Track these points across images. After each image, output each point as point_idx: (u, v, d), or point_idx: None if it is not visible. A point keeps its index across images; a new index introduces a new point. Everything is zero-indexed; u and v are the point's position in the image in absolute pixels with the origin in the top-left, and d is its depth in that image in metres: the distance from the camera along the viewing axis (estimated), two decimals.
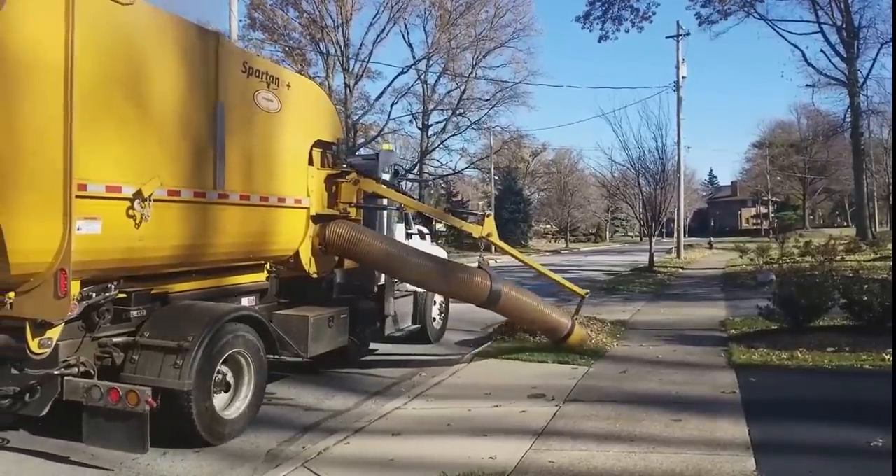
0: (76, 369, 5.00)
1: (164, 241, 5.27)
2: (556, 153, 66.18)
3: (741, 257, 28.31)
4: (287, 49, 40.16)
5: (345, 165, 7.54)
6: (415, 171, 45.73)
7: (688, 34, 30.62)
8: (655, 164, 22.54)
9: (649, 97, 35.79)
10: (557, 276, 9.37)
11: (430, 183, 45.35)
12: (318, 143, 7.37)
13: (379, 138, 45.49)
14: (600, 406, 5.53)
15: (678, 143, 29.21)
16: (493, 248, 41.07)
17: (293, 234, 6.89)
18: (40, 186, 4.30)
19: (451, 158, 50.75)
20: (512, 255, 9.19)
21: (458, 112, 44.45)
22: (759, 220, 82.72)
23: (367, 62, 39.71)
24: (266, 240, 6.48)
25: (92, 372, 5.07)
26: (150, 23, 5.04)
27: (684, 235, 38.77)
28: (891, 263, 16.56)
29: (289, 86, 6.64)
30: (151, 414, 4.67)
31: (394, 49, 59.45)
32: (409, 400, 5.99)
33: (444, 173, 49.20)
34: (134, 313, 5.44)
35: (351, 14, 38.96)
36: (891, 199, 36.29)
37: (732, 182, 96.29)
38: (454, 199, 51.21)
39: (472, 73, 42.63)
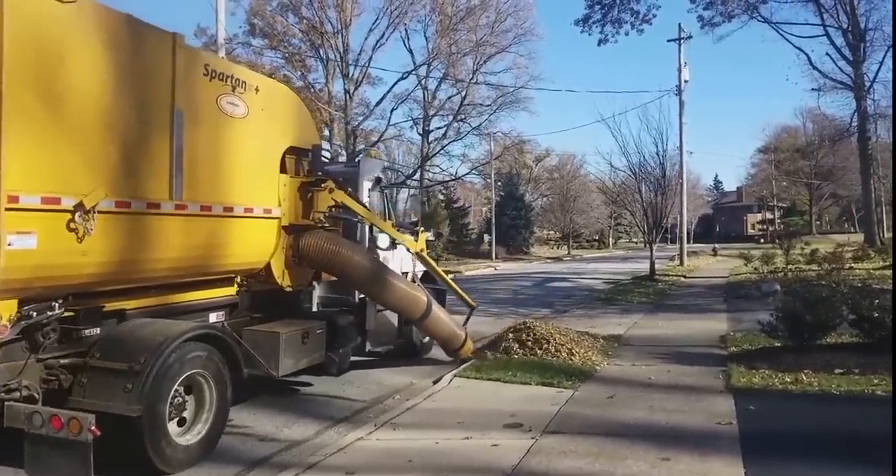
0: (17, 393, 4.62)
1: (113, 256, 4.89)
2: (560, 159, 65.86)
3: (746, 265, 27.86)
4: (287, 55, 39.93)
5: (319, 173, 7.14)
6: (415, 177, 45.45)
7: (689, 37, 30.18)
8: (656, 170, 22.12)
9: (650, 102, 35.70)
10: (456, 286, 9.40)
11: (428, 189, 44.85)
12: (292, 150, 6.99)
13: (378, 145, 45.32)
14: (581, 439, 5.06)
15: (680, 147, 28.76)
16: (493, 256, 40.60)
17: (263, 246, 6.50)
18: None
19: (451, 164, 50.26)
20: (432, 270, 9.11)
21: (458, 118, 44.10)
22: (764, 226, 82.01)
23: (367, 67, 39.49)
24: (232, 252, 6.09)
25: (36, 396, 4.68)
26: (93, 22, 4.65)
27: (689, 242, 38.26)
28: None
29: (257, 90, 6.26)
30: (103, 439, 4.31)
31: (394, 54, 59.49)
32: (374, 429, 5.55)
33: (445, 179, 48.83)
34: (85, 333, 5.06)
35: (350, 19, 38.72)
36: (892, 201, 35.67)
37: (738, 187, 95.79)
38: (455, 206, 50.78)
39: (472, 78, 42.29)
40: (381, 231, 8.23)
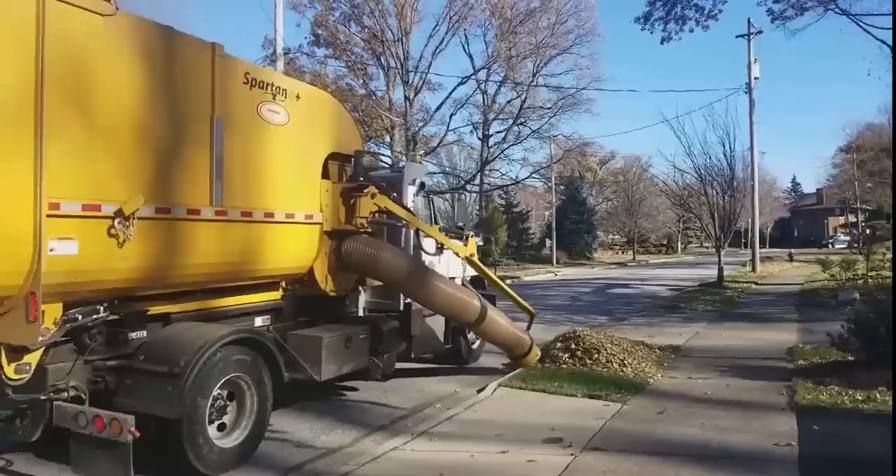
0: (66, 394, 4.78)
1: (153, 261, 4.99)
2: (625, 161, 64.23)
3: (823, 271, 26.32)
4: (349, 64, 40.63)
5: (361, 179, 7.13)
6: (475, 181, 45.30)
7: (760, 32, 28.79)
8: (724, 171, 21.22)
9: (717, 101, 33.86)
10: (513, 293, 9.04)
11: (486, 194, 44.61)
12: (334, 156, 7.02)
13: (438, 150, 45.41)
14: (623, 458, 4.79)
15: (751, 148, 27.58)
16: (553, 261, 39.96)
17: (304, 251, 6.54)
18: (6, 206, 4.06)
19: (510, 168, 49.70)
20: (485, 276, 8.84)
21: (519, 121, 43.69)
22: (847, 230, 77.54)
23: (427, 73, 39.66)
24: (273, 257, 6.14)
25: (84, 396, 4.84)
26: (132, 33, 4.76)
27: (764, 246, 36.55)
28: None
29: (298, 97, 6.31)
30: (145, 440, 4.43)
31: (454, 60, 59.16)
32: (411, 438, 5.44)
33: (505, 183, 48.48)
34: (131, 336, 5.20)
35: (410, 27, 39.03)
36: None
37: (817, 189, 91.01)
38: (514, 210, 50.31)
39: (532, 81, 41.81)
40: (428, 235, 8.15)
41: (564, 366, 8.20)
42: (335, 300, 7.33)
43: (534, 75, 42.02)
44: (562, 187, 53.92)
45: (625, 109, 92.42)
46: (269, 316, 6.49)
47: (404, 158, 42.32)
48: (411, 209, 8.24)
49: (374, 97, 40.70)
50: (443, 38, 39.21)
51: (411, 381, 8.23)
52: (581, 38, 42.04)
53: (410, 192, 8.62)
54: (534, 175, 49.27)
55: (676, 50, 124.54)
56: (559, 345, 8.75)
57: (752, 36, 28.79)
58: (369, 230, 7.35)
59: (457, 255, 8.56)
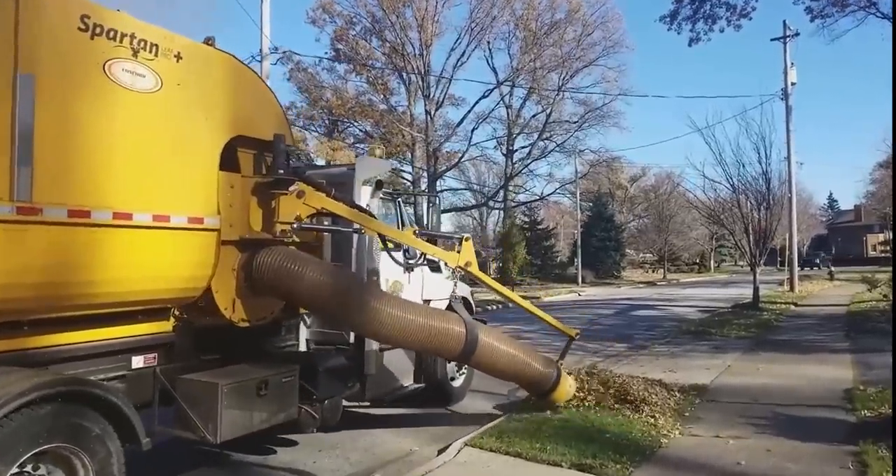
0: None
1: None
2: (656, 178, 61.72)
3: (870, 291, 23.92)
4: (370, 79, 39.65)
5: (282, 172, 5.45)
6: (498, 197, 43.60)
7: (797, 34, 26.74)
8: (758, 180, 19.18)
9: (752, 108, 31.31)
10: (546, 315, 7.27)
11: (510, 211, 42.80)
12: (246, 142, 5.38)
13: (461, 165, 43.86)
14: None
15: (788, 157, 25.38)
16: (579, 281, 37.89)
17: (192, 268, 4.87)
18: None
19: (534, 185, 47.79)
20: (493, 289, 7.19)
21: (544, 136, 41.98)
22: (887, 247, 73.58)
23: (448, 87, 38.37)
24: (134, 276, 4.48)
25: None
26: None
27: (800, 266, 34.04)
28: None
29: (179, 57, 4.68)
30: None
31: (476, 74, 57.60)
32: None
33: (530, 199, 46.67)
34: None
35: (431, 39, 37.93)
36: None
37: (856, 206, 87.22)
38: (539, 227, 48.33)
39: (558, 94, 40.14)
40: (397, 244, 6.50)
41: (557, 415, 6.39)
42: (258, 332, 5.69)
43: (559, 88, 40.47)
44: (589, 204, 51.81)
45: (654, 125, 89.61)
46: (154, 354, 4.86)
47: (425, 175, 41.01)
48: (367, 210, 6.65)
49: (394, 112, 39.59)
50: (464, 51, 38.10)
51: (361, 434, 6.51)
52: (608, 50, 40.50)
53: (365, 193, 6.98)
54: (559, 191, 47.48)
55: (706, 59, 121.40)
56: None
57: (788, 39, 26.75)
58: (295, 240, 5.68)
59: (445, 265, 6.86)
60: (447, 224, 58.30)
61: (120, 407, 4.10)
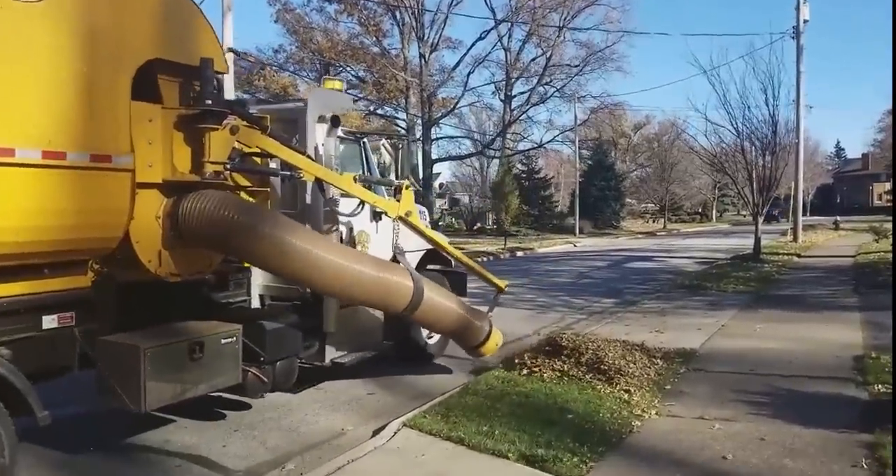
0: None
1: None
2: (661, 126, 59.77)
3: (877, 241, 22.98)
4: (362, 20, 37.68)
5: (210, 103, 4.39)
6: (496, 145, 42.17)
7: None
8: (764, 124, 17.90)
9: (761, 47, 29.40)
10: (477, 265, 7.05)
11: (508, 159, 41.39)
12: (167, 68, 4.34)
13: (458, 110, 42.20)
14: None
15: (797, 101, 23.87)
16: (576, 231, 37.04)
17: (97, 214, 3.99)
18: None
19: (533, 132, 46.16)
20: (430, 240, 6.50)
21: (544, 81, 40.16)
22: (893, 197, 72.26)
23: (443, 28, 36.49)
24: (25, 224, 3.62)
25: None
26: None
27: (805, 214, 32.92)
28: None
29: None
30: None
31: (473, 13, 54.60)
32: None
33: (528, 147, 45.20)
34: None
35: None
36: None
37: (863, 154, 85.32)
38: (536, 177, 46.99)
39: (559, 35, 38.14)
40: (340, 189, 5.66)
41: (515, 388, 5.50)
42: (197, 288, 4.99)
43: (560, 29, 38.42)
44: (590, 153, 50.20)
45: (659, 69, 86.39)
46: (70, 313, 4.08)
47: (419, 122, 39.50)
48: (316, 153, 5.82)
49: (387, 55, 37.79)
50: None
51: (291, 409, 5.65)
52: None
53: (318, 130, 6.00)
54: (559, 139, 45.88)
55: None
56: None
57: None
58: (227, 183, 4.76)
59: (386, 215, 6.03)
60: (446, 174, 56.87)
61: (4, 375, 3.49)
